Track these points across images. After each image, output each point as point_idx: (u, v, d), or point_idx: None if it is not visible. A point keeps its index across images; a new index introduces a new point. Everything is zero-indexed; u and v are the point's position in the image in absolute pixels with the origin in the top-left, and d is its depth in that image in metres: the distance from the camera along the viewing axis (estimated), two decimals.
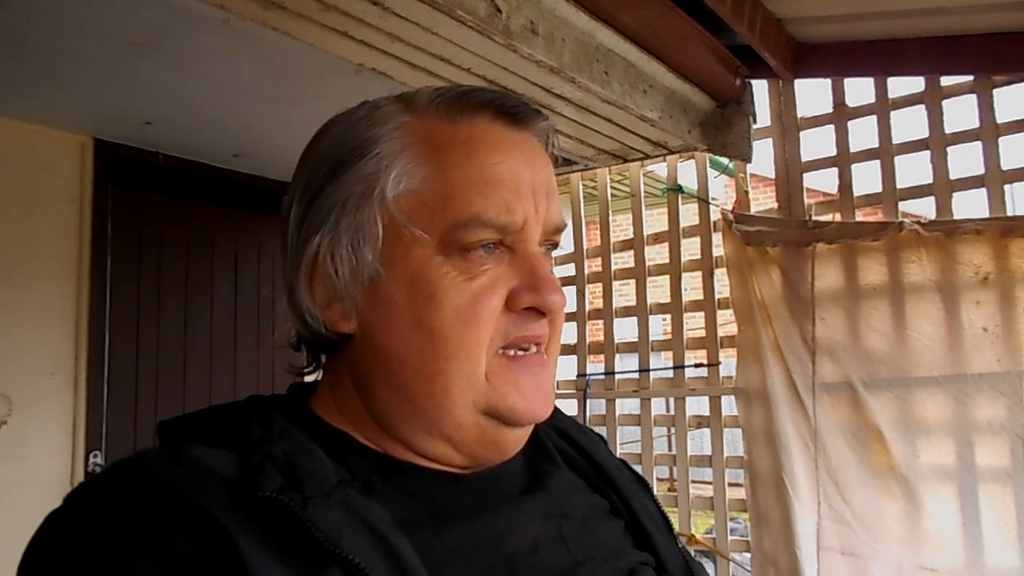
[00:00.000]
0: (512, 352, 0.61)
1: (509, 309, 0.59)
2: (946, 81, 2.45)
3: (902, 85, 2.53)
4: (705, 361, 2.80)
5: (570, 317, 3.06)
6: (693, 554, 0.75)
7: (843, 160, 2.62)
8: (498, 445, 0.62)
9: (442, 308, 0.58)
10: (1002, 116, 2.36)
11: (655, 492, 0.79)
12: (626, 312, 2.99)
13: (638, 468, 2.89)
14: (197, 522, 0.48)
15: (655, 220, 3.13)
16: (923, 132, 2.47)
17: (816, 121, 2.70)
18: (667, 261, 2.91)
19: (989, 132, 2.37)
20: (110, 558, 0.47)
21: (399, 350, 0.59)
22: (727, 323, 2.78)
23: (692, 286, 2.88)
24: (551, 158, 0.66)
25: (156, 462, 0.53)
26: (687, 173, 2.95)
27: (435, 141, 0.60)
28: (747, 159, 2.73)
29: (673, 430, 2.90)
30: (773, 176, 2.77)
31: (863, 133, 2.59)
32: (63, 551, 0.49)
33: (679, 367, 2.83)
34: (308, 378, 0.69)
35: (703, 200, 2.84)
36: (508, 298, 0.59)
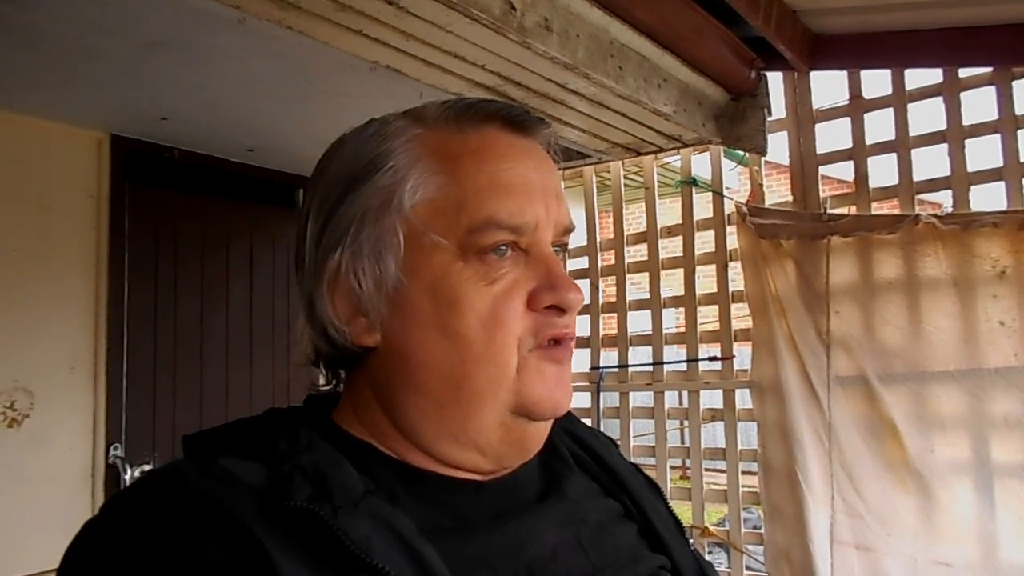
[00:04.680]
0: (544, 345, 0.62)
1: (531, 309, 0.61)
2: (964, 73, 2.42)
3: (919, 77, 2.51)
4: (719, 354, 2.80)
5: (584, 310, 3.05)
6: (706, 546, 0.76)
7: (859, 153, 2.61)
8: (522, 443, 0.63)
9: (465, 314, 0.59)
10: (1021, 108, 2.33)
11: (667, 491, 0.80)
12: (640, 305, 2.99)
13: (651, 460, 2.92)
14: (230, 532, 0.49)
15: (669, 210, 3.12)
16: (940, 124, 2.45)
17: (832, 113, 2.68)
18: (681, 254, 2.90)
19: (1008, 124, 2.34)
20: (146, 567, 0.48)
21: (426, 357, 0.60)
22: (741, 316, 2.78)
23: (706, 278, 2.88)
24: (555, 162, 0.68)
25: (188, 473, 0.54)
26: (701, 165, 2.95)
27: (447, 151, 0.62)
28: (762, 152, 2.72)
29: (687, 423, 2.90)
30: (788, 164, 2.76)
31: (879, 125, 2.58)
32: (100, 560, 0.50)
33: (693, 360, 2.84)
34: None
35: (717, 193, 2.83)
36: (528, 299, 0.61)
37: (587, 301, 3.06)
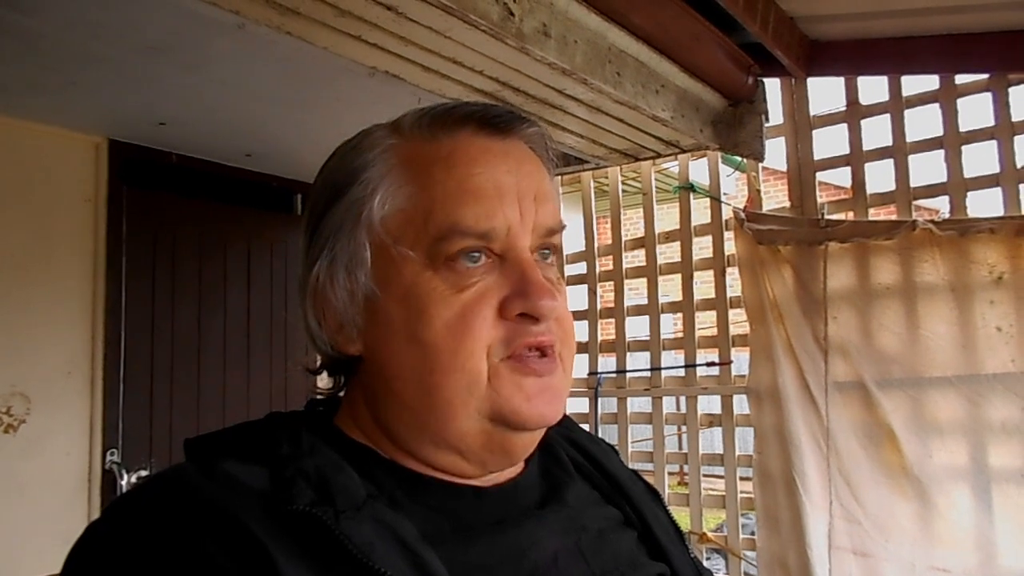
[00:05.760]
0: (519, 355, 0.60)
1: (503, 318, 0.59)
2: (961, 79, 2.43)
3: (916, 83, 2.52)
4: (717, 360, 2.80)
5: (582, 315, 3.06)
6: (704, 552, 0.76)
7: (856, 159, 2.61)
8: (506, 450, 0.62)
9: (433, 322, 0.59)
10: (1017, 114, 2.34)
11: (665, 497, 0.80)
12: (638, 310, 2.99)
13: (649, 466, 2.91)
14: (234, 535, 0.49)
15: (666, 216, 3.12)
16: (937, 131, 2.46)
17: (829, 119, 2.69)
18: (679, 259, 2.91)
19: (1004, 131, 2.36)
20: (150, 570, 0.48)
21: (399, 367, 0.61)
22: (739, 322, 2.78)
23: (704, 284, 2.88)
24: (549, 161, 0.67)
25: (191, 476, 0.54)
26: (699, 171, 2.95)
27: (418, 160, 0.62)
28: (759, 158, 2.72)
29: (685, 428, 2.90)
30: (786, 170, 2.77)
31: (876, 131, 2.59)
32: (104, 563, 0.50)
33: (691, 366, 2.84)
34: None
35: (715, 198, 2.83)
36: (500, 307, 0.60)
37: (585, 306, 3.06)
